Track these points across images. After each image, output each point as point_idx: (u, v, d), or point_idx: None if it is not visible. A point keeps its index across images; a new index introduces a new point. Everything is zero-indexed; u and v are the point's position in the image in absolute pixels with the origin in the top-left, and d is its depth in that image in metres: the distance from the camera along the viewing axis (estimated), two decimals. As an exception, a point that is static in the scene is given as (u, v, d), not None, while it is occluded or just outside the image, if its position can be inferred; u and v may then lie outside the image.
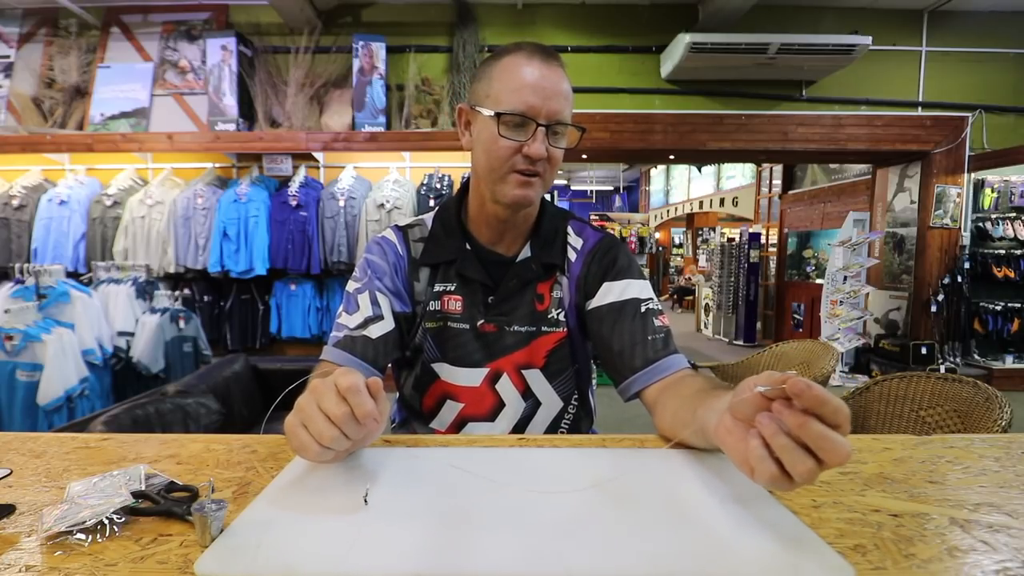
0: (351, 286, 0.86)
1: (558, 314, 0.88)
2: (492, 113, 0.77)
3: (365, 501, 0.50)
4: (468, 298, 0.87)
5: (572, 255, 0.90)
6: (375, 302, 0.83)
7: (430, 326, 0.87)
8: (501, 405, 0.87)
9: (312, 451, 0.51)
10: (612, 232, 0.97)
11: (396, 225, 0.93)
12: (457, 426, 0.88)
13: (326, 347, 0.81)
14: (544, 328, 0.87)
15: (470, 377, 0.86)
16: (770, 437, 0.42)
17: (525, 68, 0.77)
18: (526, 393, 0.87)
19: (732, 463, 0.48)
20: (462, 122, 0.85)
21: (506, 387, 0.86)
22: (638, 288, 0.85)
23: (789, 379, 0.40)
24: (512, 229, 0.88)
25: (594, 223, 0.98)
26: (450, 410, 0.88)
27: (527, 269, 0.87)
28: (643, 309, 0.82)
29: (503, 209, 0.83)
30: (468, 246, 0.88)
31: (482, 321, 0.86)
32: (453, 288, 0.87)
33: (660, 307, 0.85)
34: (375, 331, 0.81)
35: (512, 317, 0.86)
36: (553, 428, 0.89)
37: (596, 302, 0.85)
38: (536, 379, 0.87)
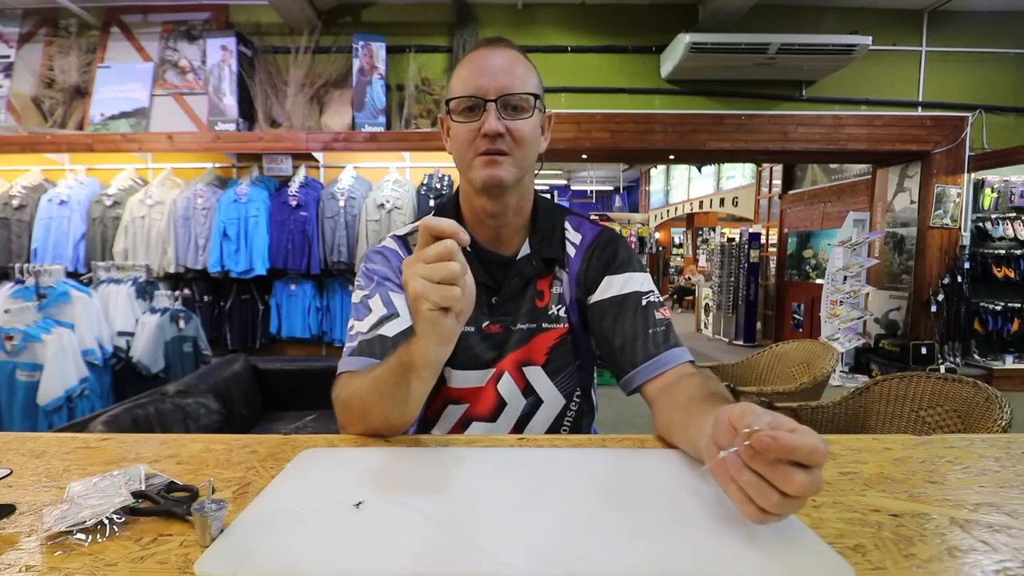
0: (357, 295, 0.85)
1: (558, 310, 0.88)
2: (448, 106, 0.80)
3: (357, 506, 0.50)
4: None
5: (571, 250, 0.90)
6: (388, 302, 0.81)
7: None
8: (503, 404, 0.86)
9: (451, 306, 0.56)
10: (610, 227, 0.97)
11: (394, 234, 0.93)
12: (460, 428, 0.87)
13: (343, 359, 0.79)
14: (544, 325, 0.87)
15: (476, 379, 0.86)
16: (735, 475, 0.42)
17: (472, 59, 0.80)
18: (527, 390, 0.87)
19: None
20: (444, 130, 0.86)
21: (507, 385, 0.86)
22: (639, 281, 0.85)
23: (754, 436, 0.40)
24: (506, 226, 0.87)
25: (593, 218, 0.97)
26: (453, 413, 0.87)
27: (528, 266, 0.87)
28: (644, 302, 0.82)
29: (485, 199, 0.82)
30: (468, 248, 0.88)
31: (487, 322, 0.86)
32: None
33: (661, 300, 0.85)
34: (390, 329, 0.79)
35: (516, 316, 0.86)
36: (556, 426, 0.89)
37: (598, 296, 0.85)
38: (537, 376, 0.87)
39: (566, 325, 0.88)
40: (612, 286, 0.85)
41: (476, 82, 0.77)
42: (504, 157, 0.78)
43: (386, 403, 0.66)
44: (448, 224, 0.56)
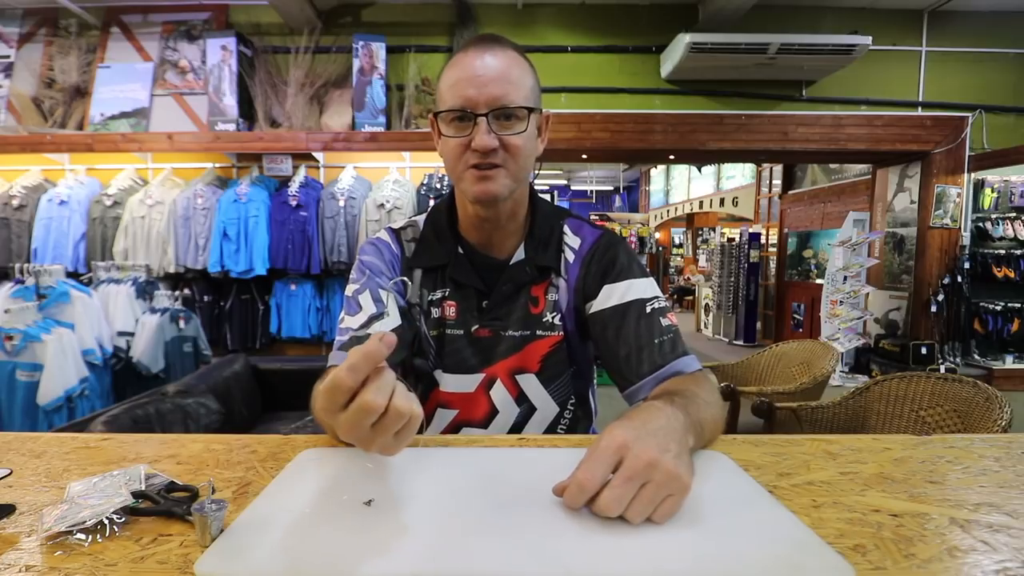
0: (350, 289, 0.84)
1: (553, 317, 0.85)
2: (436, 116, 0.76)
3: (367, 504, 0.50)
4: (462, 303, 0.85)
5: (570, 256, 0.86)
6: (378, 299, 0.81)
7: (433, 333, 0.86)
8: (495, 412, 0.85)
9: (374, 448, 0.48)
10: (611, 229, 0.93)
11: (390, 227, 0.93)
12: (450, 432, 0.87)
13: (334, 352, 0.78)
14: (539, 332, 0.85)
15: (465, 383, 0.85)
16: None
17: (462, 61, 0.74)
18: (520, 399, 0.85)
19: (731, 464, 0.52)
20: (435, 131, 0.81)
21: (499, 393, 0.85)
22: (641, 288, 0.81)
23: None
24: (500, 230, 0.85)
25: (594, 221, 0.96)
26: (442, 418, 0.87)
27: (521, 272, 0.85)
28: (648, 309, 0.79)
29: (478, 208, 0.80)
30: (460, 250, 0.86)
31: (476, 326, 0.84)
32: (447, 293, 0.86)
33: (667, 304, 0.81)
34: (379, 329, 0.78)
35: (507, 321, 0.84)
36: (550, 432, 0.88)
37: (597, 305, 0.82)
38: (531, 384, 0.85)
39: (561, 333, 0.85)
40: (612, 295, 0.81)
41: (465, 92, 0.72)
42: (497, 170, 0.75)
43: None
44: (359, 359, 0.43)
